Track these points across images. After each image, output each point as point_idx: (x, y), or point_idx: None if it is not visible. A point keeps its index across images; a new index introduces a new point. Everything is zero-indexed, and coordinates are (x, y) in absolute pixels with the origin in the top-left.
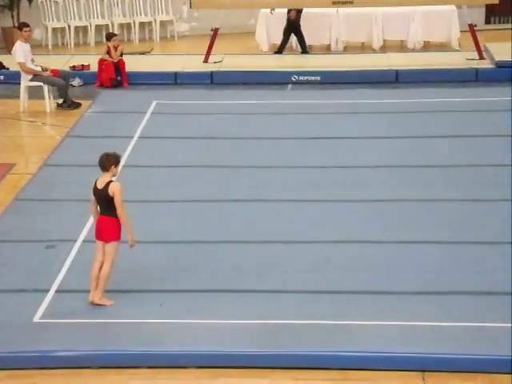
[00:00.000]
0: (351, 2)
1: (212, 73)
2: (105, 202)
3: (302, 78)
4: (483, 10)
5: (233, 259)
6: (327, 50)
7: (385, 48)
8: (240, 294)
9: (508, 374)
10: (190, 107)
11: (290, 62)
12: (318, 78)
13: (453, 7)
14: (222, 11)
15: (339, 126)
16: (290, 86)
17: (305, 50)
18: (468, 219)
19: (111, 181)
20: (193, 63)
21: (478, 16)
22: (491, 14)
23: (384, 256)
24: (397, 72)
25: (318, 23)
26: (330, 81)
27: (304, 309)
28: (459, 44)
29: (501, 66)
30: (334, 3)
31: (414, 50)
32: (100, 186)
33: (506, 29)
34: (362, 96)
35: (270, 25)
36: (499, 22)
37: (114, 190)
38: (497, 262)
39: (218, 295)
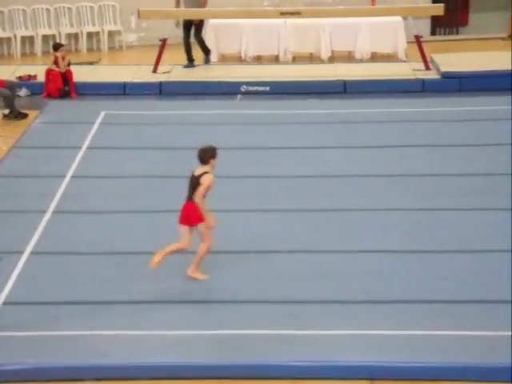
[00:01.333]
0: (299, 13)
1: (161, 83)
2: (192, 187)
3: (251, 88)
4: (429, 21)
5: (183, 269)
6: (276, 60)
7: (333, 59)
8: (190, 305)
9: (457, 381)
10: (139, 118)
11: (240, 72)
12: (268, 89)
13: (399, 18)
14: (170, 21)
15: (288, 136)
16: (239, 96)
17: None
18: (417, 228)
19: (207, 172)
20: (141, 73)
21: (424, 27)
22: (437, 25)
23: (333, 265)
24: (345, 82)
25: (266, 34)
26: (279, 91)
27: (253, 319)
28: (406, 55)
29: (447, 76)
30: (282, 14)
31: (361, 61)
32: (197, 173)
33: (451, 40)
34: (311, 106)
35: (219, 35)
36: (445, 34)
37: (205, 180)
38: (446, 270)
39: (167, 306)
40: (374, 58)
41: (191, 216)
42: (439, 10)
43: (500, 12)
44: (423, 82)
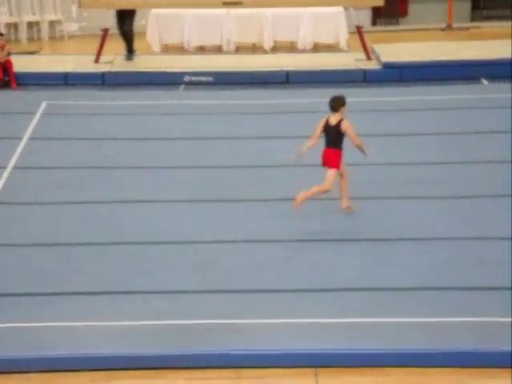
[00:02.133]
0: (241, 3)
1: (103, 73)
2: (335, 136)
3: (194, 78)
4: (369, 12)
5: (126, 260)
6: (219, 50)
7: (276, 49)
8: (134, 295)
9: (398, 367)
10: (82, 108)
11: (183, 62)
12: (211, 79)
13: (340, 9)
14: (112, 11)
15: (232, 126)
16: (182, 86)
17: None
18: (351, 217)
19: (342, 119)
20: (83, 63)
21: (365, 18)
22: (377, 16)
23: (275, 255)
24: (287, 73)
25: (209, 24)
26: (222, 81)
27: (197, 308)
28: (347, 45)
29: (387, 66)
30: (224, 4)
31: (304, 51)
32: (332, 123)
33: (391, 30)
34: (254, 96)
35: (161, 25)
36: (385, 24)
37: (346, 126)
38: (381, 258)
39: (111, 297)
40: (317, 48)
41: (331, 159)
42: (379, 0)
43: (439, 3)
44: (365, 72)
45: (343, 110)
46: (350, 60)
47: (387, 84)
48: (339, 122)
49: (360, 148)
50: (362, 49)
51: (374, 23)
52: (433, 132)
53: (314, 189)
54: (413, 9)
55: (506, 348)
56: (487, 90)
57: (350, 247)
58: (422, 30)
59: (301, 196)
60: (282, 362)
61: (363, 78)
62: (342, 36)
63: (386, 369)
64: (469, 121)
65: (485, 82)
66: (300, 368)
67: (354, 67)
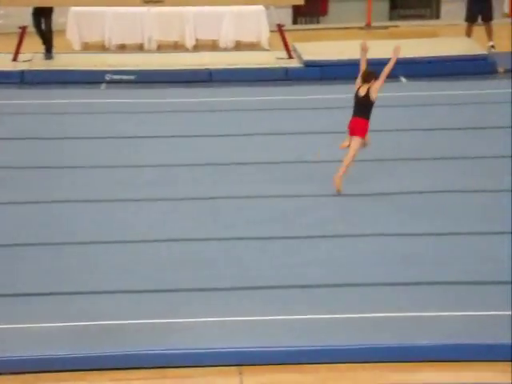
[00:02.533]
0: (162, 1)
1: (23, 72)
2: (363, 106)
3: (115, 77)
4: (290, 10)
5: (53, 261)
6: (140, 49)
7: (197, 47)
8: (57, 297)
9: (324, 363)
10: (0, 107)
11: (104, 60)
12: (133, 77)
13: (261, 7)
14: (30, 9)
15: (154, 125)
16: (103, 85)
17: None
18: (284, 215)
19: (370, 89)
20: (1, 62)
21: (286, 16)
22: (298, 14)
23: (204, 253)
24: (210, 71)
25: (130, 22)
26: (144, 80)
27: (121, 309)
28: (269, 44)
29: (309, 65)
30: (145, 2)
31: (226, 50)
32: (361, 94)
33: (312, 29)
34: (177, 95)
35: (81, 23)
36: (306, 23)
37: (375, 91)
38: (308, 255)
39: (33, 298)
40: (238, 46)
41: (358, 128)
42: None
43: (358, 2)
44: (286, 70)
45: (373, 82)
46: (271, 58)
47: (309, 82)
48: (368, 92)
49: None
50: (283, 47)
51: (294, 22)
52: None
53: (344, 164)
54: (333, 8)
55: (427, 342)
56: (406, 88)
57: (272, 245)
58: (342, 28)
59: (337, 179)
60: (207, 361)
61: (285, 76)
62: (264, 34)
63: (309, 366)
64: (387, 118)
65: (403, 79)
66: (225, 366)
67: (276, 65)
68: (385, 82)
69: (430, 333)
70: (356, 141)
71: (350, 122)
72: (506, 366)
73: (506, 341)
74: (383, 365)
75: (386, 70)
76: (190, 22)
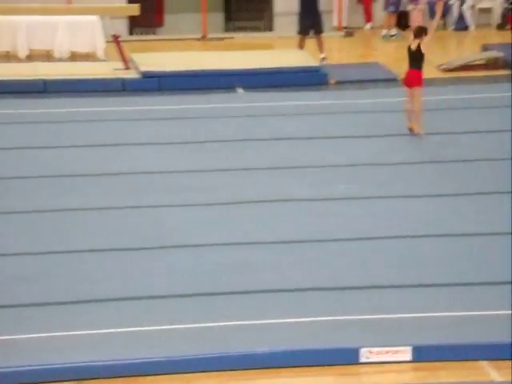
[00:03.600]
0: None
1: None
2: (416, 59)
3: None
4: (126, 21)
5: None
6: None
7: (31, 57)
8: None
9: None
10: None
11: None
12: None
13: (96, 18)
14: None
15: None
16: None
17: None
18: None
19: (420, 42)
20: None
21: (122, 27)
22: (134, 25)
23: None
24: (45, 82)
25: None
26: None
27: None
28: (105, 54)
29: (146, 76)
30: None
31: (61, 60)
32: (413, 47)
33: (149, 40)
34: (9, 106)
35: None
36: (142, 34)
37: (425, 47)
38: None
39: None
40: (74, 57)
41: (415, 79)
42: (135, 10)
43: (193, 13)
44: (123, 81)
45: (424, 37)
46: (108, 69)
47: (146, 93)
48: (419, 46)
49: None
50: (119, 58)
51: (131, 33)
52: (189, 140)
53: (418, 110)
54: (169, 19)
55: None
56: (242, 99)
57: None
58: (178, 40)
59: (415, 124)
60: (46, 376)
61: (122, 87)
62: (99, 45)
63: (150, 377)
64: (222, 129)
65: (240, 90)
66: (65, 382)
67: (113, 76)
68: (222, 93)
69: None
70: (418, 90)
71: (407, 74)
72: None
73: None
74: (226, 373)
75: (434, 24)
76: (22, 32)
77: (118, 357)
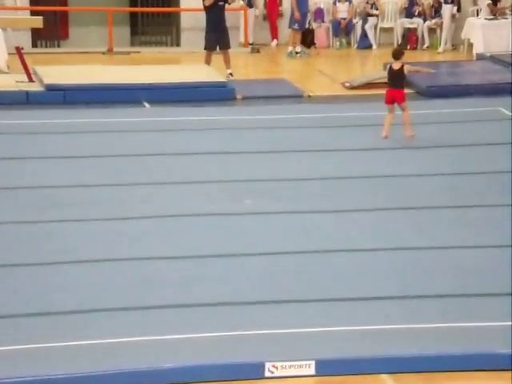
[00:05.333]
0: None
1: None
2: (399, 79)
3: None
4: (29, 33)
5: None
6: None
7: None
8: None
9: None
10: None
11: None
12: None
13: None
14: None
15: None
16: None
17: None
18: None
19: (403, 64)
20: None
21: (25, 39)
22: (38, 37)
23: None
24: None
25: None
26: None
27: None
28: (8, 66)
29: (51, 89)
30: None
31: None
32: (396, 68)
33: (53, 52)
34: None
35: None
36: (46, 46)
37: (407, 68)
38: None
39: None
40: None
41: (400, 96)
42: (38, 22)
43: (99, 27)
44: (27, 93)
45: (402, 57)
46: (11, 81)
47: (51, 106)
48: (402, 67)
49: (423, 71)
50: (23, 70)
51: (34, 45)
52: (95, 154)
53: (407, 117)
54: (74, 32)
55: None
56: (149, 113)
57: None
58: (84, 53)
59: (407, 130)
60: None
61: (26, 100)
62: (2, 57)
63: None
64: (129, 142)
65: (147, 105)
66: None
67: (16, 89)
68: (128, 107)
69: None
70: (404, 104)
71: (389, 93)
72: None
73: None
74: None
75: (419, 68)
76: None
77: None
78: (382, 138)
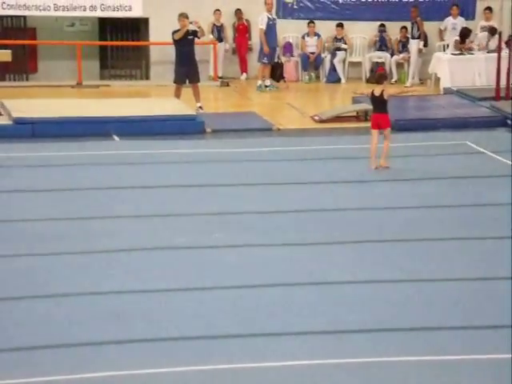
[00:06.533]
0: None
1: None
2: (381, 104)
3: None
4: None
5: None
6: None
7: None
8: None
9: None
10: None
11: None
12: None
13: None
14: None
15: None
16: None
17: None
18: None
19: (384, 89)
20: None
21: None
22: (6, 71)
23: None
24: None
25: None
26: None
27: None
28: None
29: (19, 122)
30: None
31: None
32: (377, 93)
33: (21, 86)
34: None
35: None
36: (15, 80)
37: (388, 94)
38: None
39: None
40: None
41: (384, 121)
42: (6, 56)
43: (68, 60)
44: None
45: (385, 82)
46: None
47: (19, 140)
48: (382, 92)
49: (407, 92)
50: None
51: (3, 78)
52: (63, 188)
53: (386, 146)
54: (42, 66)
55: None
56: (119, 147)
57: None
58: (53, 86)
59: (383, 160)
60: None
61: None
62: None
63: None
64: (97, 176)
65: (116, 138)
66: None
67: None
68: (98, 140)
69: None
70: (387, 130)
71: (374, 118)
72: None
73: None
74: None
75: (400, 90)
76: None
77: None
78: (372, 168)
